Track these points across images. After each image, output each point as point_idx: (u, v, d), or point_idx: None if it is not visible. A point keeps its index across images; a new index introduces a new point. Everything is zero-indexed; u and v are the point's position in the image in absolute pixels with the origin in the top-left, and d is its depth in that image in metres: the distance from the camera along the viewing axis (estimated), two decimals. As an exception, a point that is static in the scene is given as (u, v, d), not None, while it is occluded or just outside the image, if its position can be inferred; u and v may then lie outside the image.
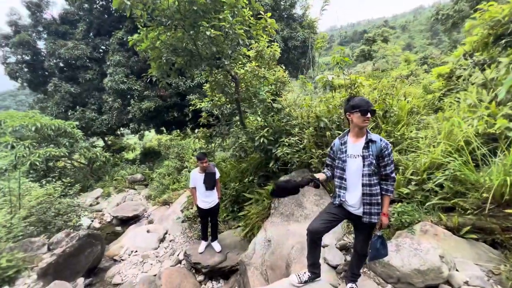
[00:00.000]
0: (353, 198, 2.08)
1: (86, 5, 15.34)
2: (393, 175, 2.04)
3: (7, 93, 77.17)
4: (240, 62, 4.66)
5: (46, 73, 16.37)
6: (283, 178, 4.21)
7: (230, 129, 5.81)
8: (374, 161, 1.99)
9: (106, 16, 15.60)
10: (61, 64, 16.02)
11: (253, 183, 4.94)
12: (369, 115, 1.97)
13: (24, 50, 15.66)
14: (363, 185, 2.01)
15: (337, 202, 2.18)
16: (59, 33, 16.02)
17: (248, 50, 4.75)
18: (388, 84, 5.74)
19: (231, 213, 5.27)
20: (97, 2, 15.37)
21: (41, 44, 16.15)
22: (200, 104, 6.00)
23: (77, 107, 15.18)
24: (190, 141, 11.84)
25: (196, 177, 4.21)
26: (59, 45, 14.81)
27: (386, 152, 1.99)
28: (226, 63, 4.32)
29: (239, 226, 4.84)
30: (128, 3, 3.20)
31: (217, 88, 4.96)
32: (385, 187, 2.03)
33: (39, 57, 16.25)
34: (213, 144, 6.87)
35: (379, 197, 2.03)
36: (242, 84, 4.89)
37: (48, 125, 10.29)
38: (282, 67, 5.56)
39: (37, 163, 9.21)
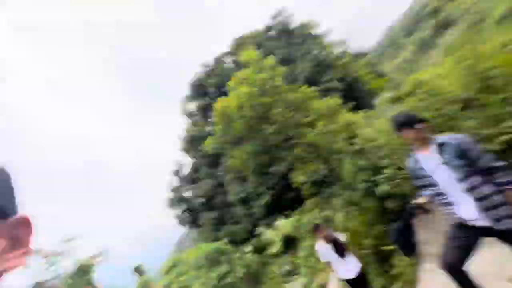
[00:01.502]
0: (468, 210, 1.78)
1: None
2: (497, 163, 1.71)
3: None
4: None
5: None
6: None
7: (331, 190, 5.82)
8: (459, 162, 1.76)
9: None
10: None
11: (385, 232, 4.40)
12: (406, 130, 1.91)
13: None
14: (468, 190, 1.74)
15: (457, 221, 1.89)
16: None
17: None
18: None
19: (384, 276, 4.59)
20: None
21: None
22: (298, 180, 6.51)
23: (220, 226, 18.52)
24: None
25: (323, 250, 4.19)
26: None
27: (466, 147, 1.76)
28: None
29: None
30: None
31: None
32: (499, 180, 1.69)
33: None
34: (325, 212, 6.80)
35: (500, 195, 1.67)
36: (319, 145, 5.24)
37: (208, 251, 12.92)
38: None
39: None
